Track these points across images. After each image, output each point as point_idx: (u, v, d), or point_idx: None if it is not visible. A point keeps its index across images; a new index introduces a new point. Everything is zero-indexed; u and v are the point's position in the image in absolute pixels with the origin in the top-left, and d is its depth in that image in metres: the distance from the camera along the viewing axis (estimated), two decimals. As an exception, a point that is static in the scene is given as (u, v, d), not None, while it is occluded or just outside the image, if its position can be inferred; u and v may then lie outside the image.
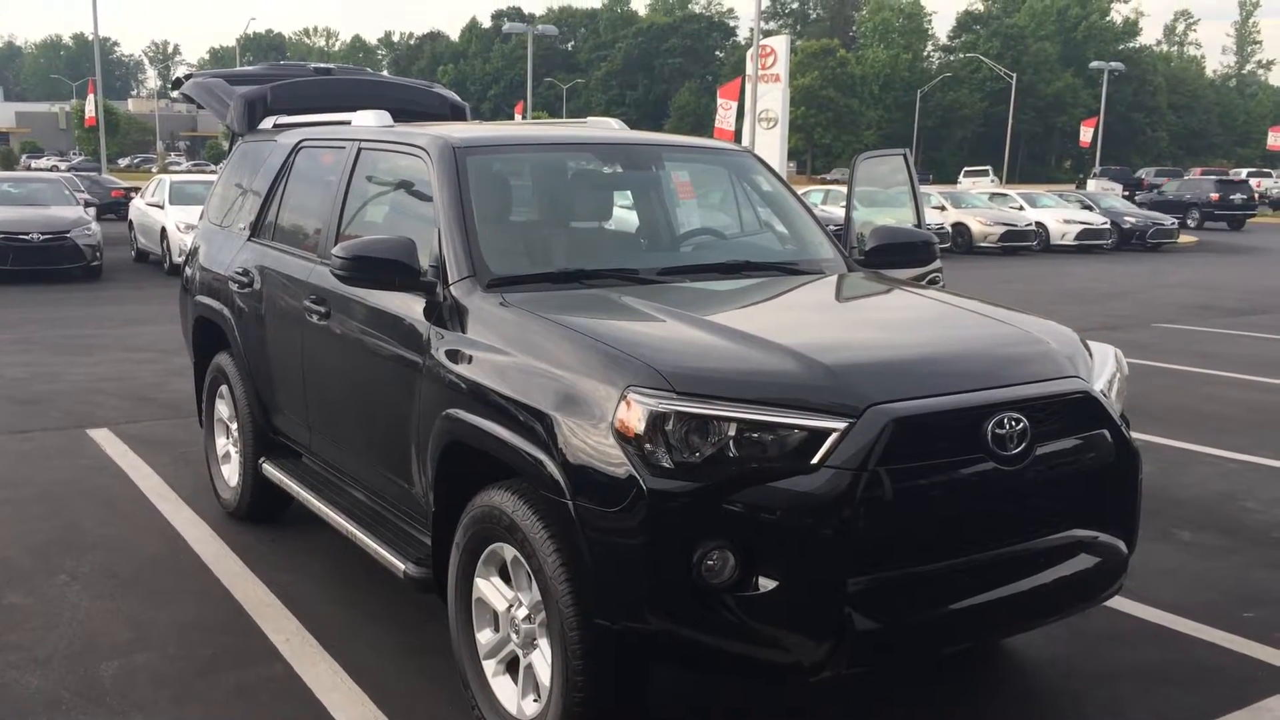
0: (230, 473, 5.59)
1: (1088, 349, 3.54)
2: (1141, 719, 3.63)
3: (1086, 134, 62.59)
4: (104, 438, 7.07)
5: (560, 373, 3.11)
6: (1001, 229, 25.24)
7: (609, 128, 5.02)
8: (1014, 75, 65.67)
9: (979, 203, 27.27)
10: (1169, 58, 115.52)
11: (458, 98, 6.50)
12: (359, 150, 4.56)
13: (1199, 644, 4.19)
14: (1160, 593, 4.62)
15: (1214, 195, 35.11)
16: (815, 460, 2.82)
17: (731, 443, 2.82)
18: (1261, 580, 4.85)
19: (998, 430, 2.99)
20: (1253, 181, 56.18)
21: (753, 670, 2.98)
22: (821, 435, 2.83)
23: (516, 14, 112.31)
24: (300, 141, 5.13)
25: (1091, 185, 44.37)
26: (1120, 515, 3.34)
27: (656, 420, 2.82)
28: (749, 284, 4.09)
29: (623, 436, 2.86)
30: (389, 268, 3.65)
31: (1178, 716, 3.63)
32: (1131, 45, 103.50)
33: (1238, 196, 35.60)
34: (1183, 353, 11.16)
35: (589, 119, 5.42)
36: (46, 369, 9.45)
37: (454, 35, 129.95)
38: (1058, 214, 26.79)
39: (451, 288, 3.66)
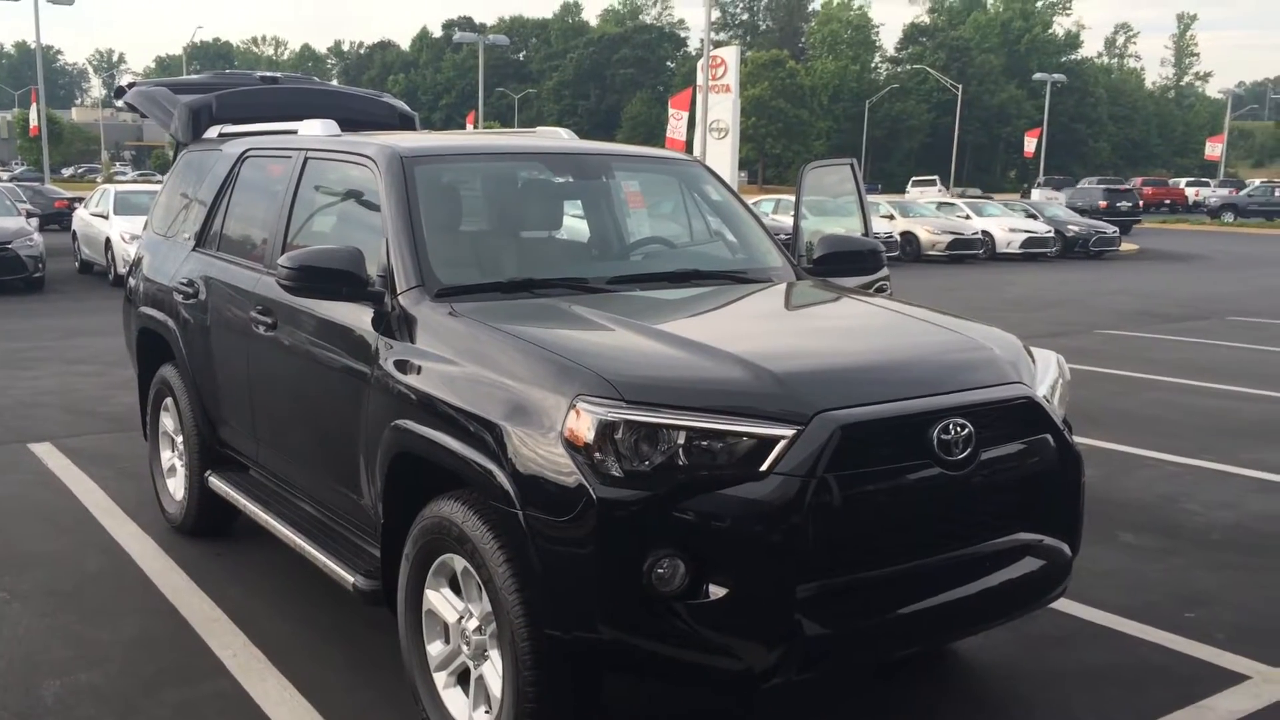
0: (176, 486, 5.51)
1: (1030, 355, 3.60)
2: (1087, 719, 3.68)
3: (1030, 144, 63.63)
4: (45, 452, 6.94)
5: (510, 382, 3.10)
6: (949, 238, 25.59)
7: (558, 137, 5.02)
8: (960, 87, 66.57)
9: (927, 212, 27.62)
10: (1110, 69, 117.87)
11: (407, 107, 6.47)
12: (306, 160, 4.53)
13: (1142, 644, 4.26)
14: (1103, 594, 4.69)
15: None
16: (764, 467, 2.84)
17: (681, 451, 2.83)
18: (1202, 581, 4.95)
19: (943, 436, 3.02)
20: (1190, 190, 57.59)
21: (704, 678, 2.98)
22: (770, 443, 2.85)
23: (467, 24, 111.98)
24: (246, 151, 5.08)
25: (1035, 195, 45.07)
26: (1064, 518, 3.40)
27: (606, 429, 2.82)
28: (698, 293, 4.10)
29: (572, 446, 2.86)
30: (336, 277, 3.62)
31: (1123, 716, 3.69)
32: (1073, 57, 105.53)
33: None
34: (1124, 358, 11.37)
35: (538, 129, 5.42)
36: (-15, 383, 9.25)
37: (404, 44, 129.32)
38: (1003, 223, 27.22)
39: (400, 298, 3.64)
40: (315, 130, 4.69)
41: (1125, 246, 29.14)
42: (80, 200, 23.05)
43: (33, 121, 41.75)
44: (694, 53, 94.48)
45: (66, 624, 4.36)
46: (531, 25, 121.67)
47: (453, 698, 3.37)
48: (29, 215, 18.59)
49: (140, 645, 4.18)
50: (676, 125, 29.79)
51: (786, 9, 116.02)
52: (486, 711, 3.24)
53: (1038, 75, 64.82)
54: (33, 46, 38.21)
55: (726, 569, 2.82)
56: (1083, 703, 3.79)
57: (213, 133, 5.64)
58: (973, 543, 3.17)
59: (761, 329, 3.81)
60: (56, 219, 26.33)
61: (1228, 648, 4.20)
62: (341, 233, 4.39)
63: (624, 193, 4.87)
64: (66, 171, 72.48)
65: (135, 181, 36.68)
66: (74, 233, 19.86)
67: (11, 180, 37.20)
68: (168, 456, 5.63)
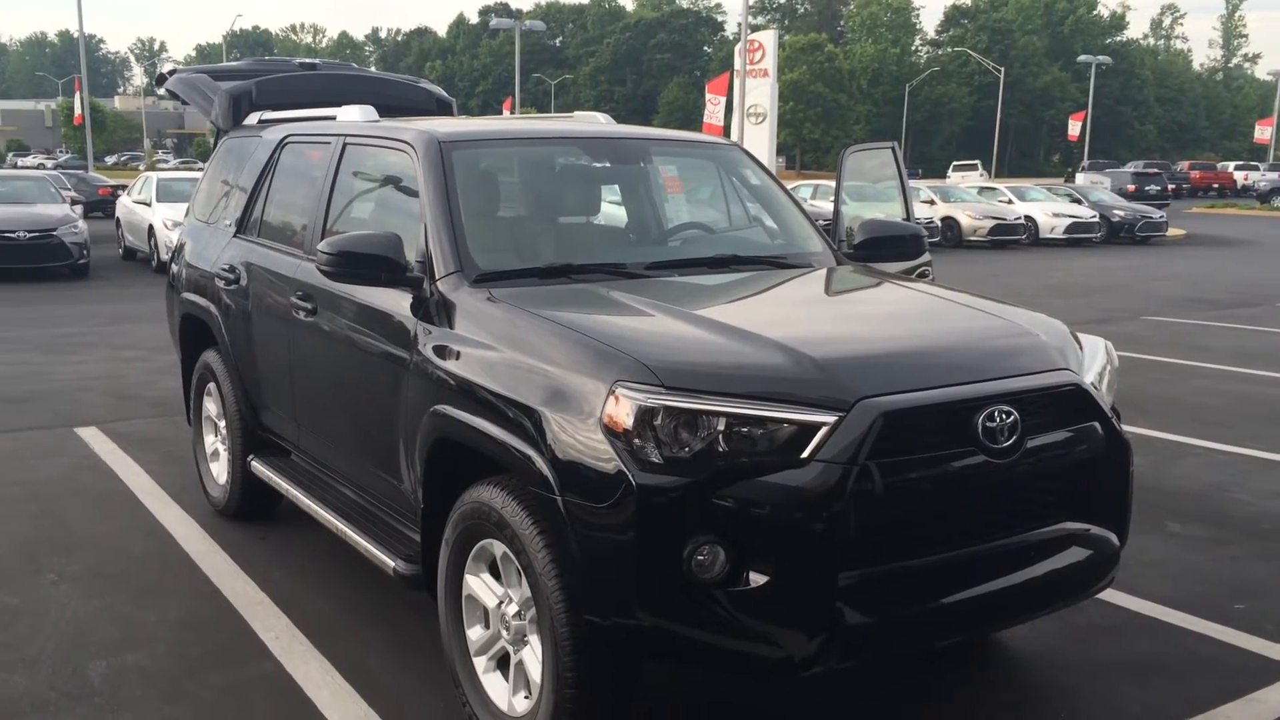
0: (219, 470, 5.56)
1: (1078, 341, 3.53)
2: (1134, 712, 3.63)
3: (1075, 128, 62.78)
4: (92, 436, 7.03)
5: (548, 368, 3.09)
6: (990, 223, 25.28)
7: (596, 122, 5.00)
8: (1002, 69, 65.80)
9: (968, 197, 27.30)
10: (1156, 51, 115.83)
11: (444, 93, 6.47)
12: (344, 145, 4.53)
13: (1191, 636, 4.19)
14: (1151, 585, 4.62)
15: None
16: (805, 454, 2.81)
17: (721, 437, 2.81)
18: (1252, 572, 4.86)
19: (988, 423, 2.98)
20: (1239, 174, 56.63)
21: (743, 665, 2.96)
22: (811, 429, 2.82)
23: (504, 10, 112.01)
24: (285, 137, 5.10)
25: (1080, 179, 44.47)
26: (1111, 508, 3.34)
27: (645, 415, 2.80)
28: (737, 278, 4.07)
29: (611, 432, 2.85)
30: (375, 263, 3.62)
31: (1170, 709, 3.63)
32: (1119, 39, 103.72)
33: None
34: (1172, 345, 11.19)
35: (576, 113, 5.40)
36: (34, 368, 9.40)
37: (441, 31, 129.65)
38: (1046, 207, 26.85)
39: (438, 283, 3.64)
40: (354, 116, 4.70)
41: (1172, 231, 28.66)
42: (123, 187, 23.34)
43: (77, 110, 42.31)
44: (731, 37, 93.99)
45: (113, 605, 4.42)
46: (568, 10, 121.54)
47: (492, 682, 3.38)
48: (73, 202, 18.84)
49: (185, 627, 4.22)
50: (714, 110, 29.65)
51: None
52: (526, 696, 3.24)
53: (1082, 57, 63.95)
54: (76, 36, 38.69)
55: (767, 556, 2.79)
56: (1129, 694, 3.74)
57: (253, 119, 5.66)
58: (1017, 532, 3.13)
59: (802, 314, 3.77)
60: (100, 206, 26.69)
61: (1279, 639, 4.12)
62: (380, 218, 4.39)
63: (662, 177, 4.84)
64: (110, 159, 73.41)
65: (177, 169, 37.05)
66: (117, 220, 20.13)
67: (56, 168, 37.76)
68: (211, 441, 5.69)
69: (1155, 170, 42.73)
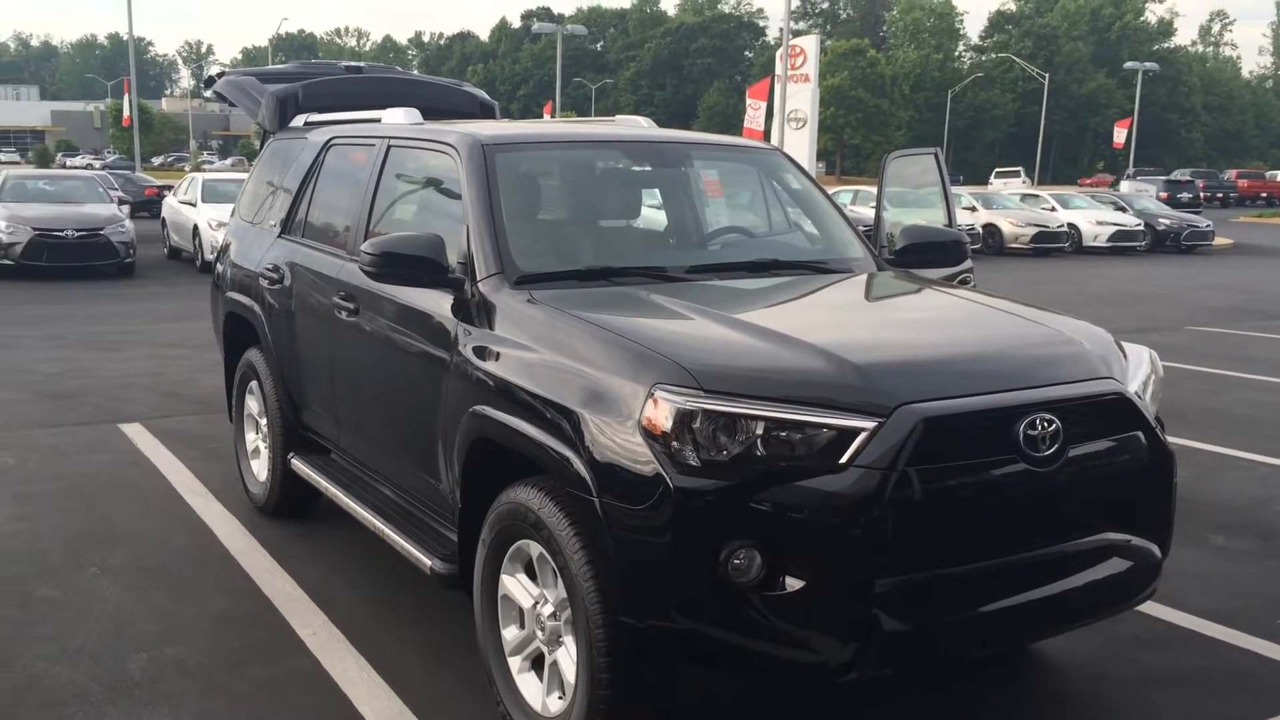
0: (260, 468, 5.63)
1: (1122, 350, 3.49)
2: (1174, 725, 3.58)
3: (1120, 135, 62.02)
4: (136, 432, 7.13)
5: (588, 370, 3.10)
6: (1033, 230, 25.02)
7: (638, 126, 5.01)
8: (1046, 75, 65.17)
9: (1010, 204, 27.05)
10: (1204, 58, 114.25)
11: (487, 96, 6.51)
12: (389, 148, 4.57)
13: (1233, 650, 4.13)
14: (1193, 598, 4.55)
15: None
16: (844, 460, 2.80)
17: (759, 441, 2.80)
18: (1297, 586, 4.78)
19: (1030, 431, 2.95)
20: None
21: (779, 670, 2.96)
22: (850, 435, 2.81)
23: (546, 14, 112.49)
24: (331, 139, 5.15)
25: (1125, 186, 43.96)
26: (1154, 519, 3.30)
27: (684, 418, 2.81)
28: (777, 282, 4.06)
29: (650, 434, 2.85)
30: (417, 264, 3.65)
31: (1211, 723, 3.58)
32: (1166, 46, 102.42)
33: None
34: (1218, 356, 11.02)
35: (618, 117, 5.42)
36: (79, 364, 9.55)
37: (484, 35, 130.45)
38: (1090, 215, 26.53)
39: (480, 285, 3.66)
40: (398, 118, 4.74)
41: (1219, 241, 28.24)
42: (169, 188, 23.67)
43: (125, 111, 42.98)
44: (773, 42, 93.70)
45: (154, 599, 4.48)
46: (609, 15, 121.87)
47: (527, 682, 3.39)
48: (120, 202, 19.12)
49: (224, 622, 4.27)
50: (754, 115, 29.61)
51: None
52: (560, 697, 3.25)
53: (1129, 64, 63.16)
54: (125, 38, 39.31)
55: (804, 561, 2.78)
56: (1170, 708, 3.69)
57: (299, 121, 5.73)
58: (1058, 541, 3.09)
59: (842, 319, 3.76)
60: (146, 206, 27.06)
61: (1324, 656, 4.05)
62: (423, 220, 4.43)
63: (702, 181, 4.85)
64: (157, 160, 74.47)
65: (228, 169, 37.43)
66: (163, 220, 20.40)
67: (104, 168, 38.35)
68: (252, 439, 5.75)
69: (1188, 179, 42.57)
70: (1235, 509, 5.87)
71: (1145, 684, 3.86)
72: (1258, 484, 6.38)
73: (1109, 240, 25.84)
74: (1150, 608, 4.23)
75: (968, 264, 5.14)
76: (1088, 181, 61.50)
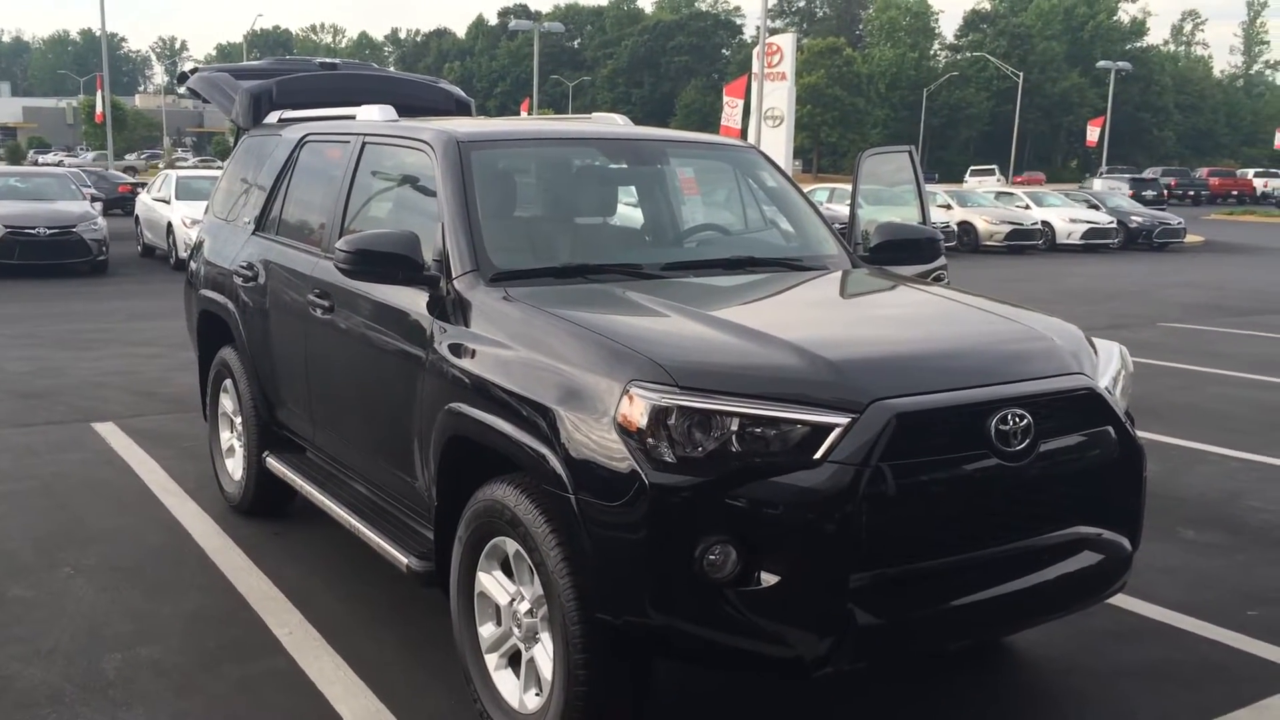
0: (234, 466, 5.60)
1: (1092, 345, 3.53)
2: (1145, 717, 3.62)
3: (1093, 133, 62.56)
4: (108, 431, 7.08)
5: (563, 367, 3.11)
6: (1007, 228, 25.20)
7: (614, 123, 5.02)
8: (1021, 74, 65.52)
9: (985, 201, 27.22)
10: (1176, 57, 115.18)
11: (463, 93, 6.50)
12: (363, 145, 4.56)
13: (1203, 642, 4.18)
14: (1164, 590, 4.61)
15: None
16: (818, 455, 2.81)
17: (734, 437, 2.82)
18: (1266, 579, 4.84)
19: (1001, 426, 2.98)
20: (1259, 181, 56.45)
21: (754, 665, 2.97)
22: (824, 430, 2.83)
23: (523, 11, 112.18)
24: (305, 136, 5.13)
25: (1097, 185, 44.33)
26: (1124, 512, 3.33)
27: (659, 415, 2.82)
28: (753, 280, 4.08)
29: (625, 431, 2.86)
30: (392, 261, 3.65)
31: (1181, 714, 3.62)
32: (1139, 45, 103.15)
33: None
34: (1189, 352, 11.14)
35: (594, 114, 5.42)
36: (52, 363, 9.47)
37: (460, 32, 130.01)
38: (1064, 213, 26.74)
39: (455, 282, 3.66)
40: (373, 115, 4.73)
41: (1190, 238, 28.52)
42: (143, 185, 23.48)
43: (98, 108, 42.61)
44: (749, 40, 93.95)
45: (128, 599, 4.45)
46: (587, 13, 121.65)
47: (504, 679, 3.39)
48: (93, 199, 18.96)
49: (199, 621, 4.25)
50: (731, 113, 29.65)
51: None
52: (537, 694, 3.26)
53: (1101, 63, 63.62)
54: (98, 34, 38.95)
55: (778, 557, 2.80)
56: (1141, 700, 3.73)
57: (273, 118, 5.70)
58: (1030, 535, 3.13)
59: (817, 316, 3.78)
60: (120, 204, 26.86)
61: (1292, 647, 4.11)
62: (398, 217, 4.42)
63: (679, 179, 4.86)
64: (130, 157, 73.86)
65: (196, 168, 37.03)
66: (136, 217, 20.25)
67: (79, 166, 38.04)
68: (226, 437, 5.72)
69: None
70: (1206, 503, 5.93)
71: (1117, 676, 3.90)
72: (1228, 478, 6.46)
73: (1082, 238, 26.06)
74: (1121, 600, 4.28)
75: (941, 261, 5.17)
76: (1019, 179, 61.66)
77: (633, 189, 4.73)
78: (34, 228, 15.97)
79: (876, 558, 2.85)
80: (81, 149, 69.70)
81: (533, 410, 3.11)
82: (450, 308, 3.64)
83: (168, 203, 17.83)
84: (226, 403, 5.66)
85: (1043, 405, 3.09)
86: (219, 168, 20.15)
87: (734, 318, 3.40)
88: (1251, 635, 4.21)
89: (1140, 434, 3.42)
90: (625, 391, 2.88)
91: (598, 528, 2.88)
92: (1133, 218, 27.80)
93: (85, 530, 5.25)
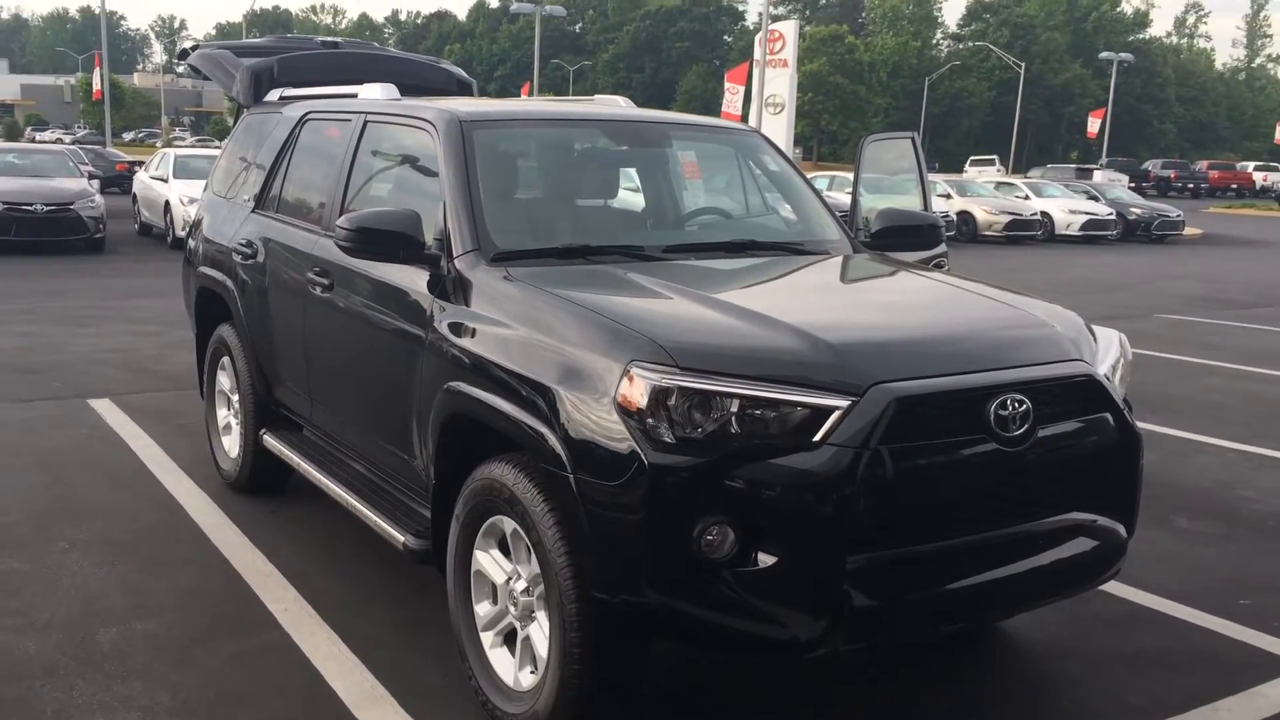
0: (231, 444, 5.60)
1: (1092, 333, 3.54)
2: (1137, 703, 3.64)
3: (1094, 125, 62.45)
4: (105, 408, 7.08)
5: (563, 347, 3.11)
6: (1006, 218, 25.18)
7: (616, 106, 5.00)
8: (1023, 65, 65.43)
9: (984, 191, 27.20)
10: (1179, 50, 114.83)
11: (465, 74, 6.48)
12: (365, 123, 4.55)
13: (1195, 630, 4.20)
14: (1157, 578, 4.62)
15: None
16: (817, 438, 2.82)
17: (734, 419, 2.82)
18: (1259, 568, 4.86)
19: (1000, 411, 2.99)
20: (1258, 175, 56.42)
21: (750, 646, 2.98)
22: (824, 413, 2.83)
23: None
24: (306, 114, 5.12)
25: (1098, 176, 44.30)
26: (1120, 499, 3.34)
27: (659, 395, 2.82)
28: (754, 263, 4.08)
29: (625, 411, 2.86)
30: (394, 239, 3.64)
31: (1173, 701, 3.64)
32: (1141, 37, 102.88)
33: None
34: (1185, 343, 11.15)
35: (596, 96, 5.40)
36: (49, 339, 9.45)
37: (461, 15, 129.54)
38: (1063, 204, 26.71)
39: (456, 261, 3.66)
40: (375, 94, 4.71)
41: (1189, 231, 28.52)
42: (140, 164, 23.41)
43: (95, 86, 42.44)
44: (752, 27, 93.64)
45: (123, 574, 4.46)
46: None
47: (499, 657, 3.40)
48: (91, 177, 18.89)
49: (195, 597, 4.26)
50: (732, 100, 29.59)
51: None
52: (532, 672, 3.27)
53: (1104, 54, 63.48)
54: (97, 12, 38.80)
55: (776, 538, 2.81)
56: (1132, 685, 3.75)
57: (274, 96, 5.68)
58: (1026, 520, 3.13)
59: (818, 300, 3.78)
60: (117, 182, 26.78)
61: (1283, 636, 4.13)
62: (399, 196, 4.40)
63: (681, 163, 4.85)
64: (127, 135, 73.56)
65: (193, 147, 36.82)
66: (134, 195, 20.19)
67: (74, 143, 37.91)
68: (223, 415, 5.72)
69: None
70: (1200, 493, 5.95)
71: (1108, 661, 3.92)
72: (1222, 468, 6.48)
73: (1081, 229, 26.02)
74: (1114, 587, 4.29)
75: (942, 248, 5.18)
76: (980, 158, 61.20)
77: (634, 172, 4.73)
78: (31, 204, 15.90)
79: (874, 540, 2.86)
80: (79, 127, 69.43)
81: (532, 390, 3.11)
82: (451, 287, 3.63)
83: (165, 181, 17.76)
84: (224, 380, 5.65)
85: (1042, 391, 3.10)
86: (217, 147, 20.07)
87: (735, 300, 3.40)
88: (1243, 624, 4.23)
89: (1137, 422, 3.42)
90: (626, 372, 2.88)
91: (596, 507, 2.89)
92: (1132, 209, 27.78)
93: (81, 505, 5.25)
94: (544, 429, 3.03)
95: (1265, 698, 3.66)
